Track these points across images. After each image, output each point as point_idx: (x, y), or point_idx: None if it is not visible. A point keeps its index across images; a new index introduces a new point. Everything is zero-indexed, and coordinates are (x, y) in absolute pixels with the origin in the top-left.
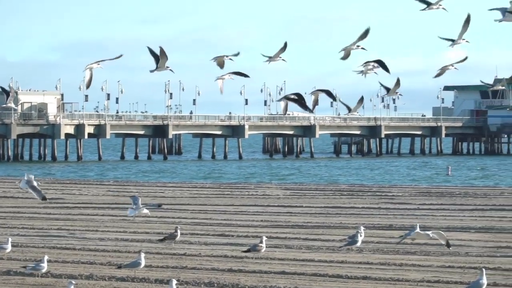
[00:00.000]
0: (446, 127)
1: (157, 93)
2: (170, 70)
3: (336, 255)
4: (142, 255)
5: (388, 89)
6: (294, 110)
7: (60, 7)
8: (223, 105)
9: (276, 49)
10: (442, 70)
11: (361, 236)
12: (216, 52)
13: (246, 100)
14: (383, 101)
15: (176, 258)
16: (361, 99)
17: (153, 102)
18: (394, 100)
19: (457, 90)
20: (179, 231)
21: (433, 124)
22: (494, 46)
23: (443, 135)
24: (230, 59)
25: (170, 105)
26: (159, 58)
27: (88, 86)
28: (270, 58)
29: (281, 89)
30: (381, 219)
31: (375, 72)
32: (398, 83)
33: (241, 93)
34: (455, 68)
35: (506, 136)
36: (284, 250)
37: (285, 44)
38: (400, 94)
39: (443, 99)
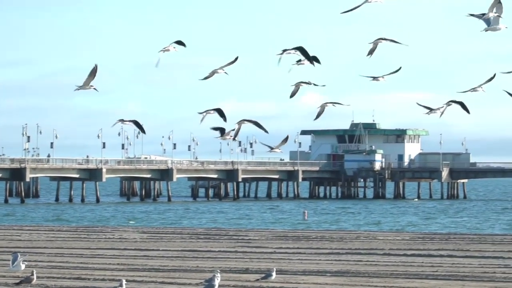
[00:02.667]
0: (303, 171)
1: (14, 136)
2: (95, 89)
3: None
4: None
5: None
6: (152, 153)
7: None
8: (81, 148)
9: (132, 95)
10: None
11: (217, 279)
12: (72, 95)
13: (104, 143)
14: (240, 145)
15: None
16: (286, 139)
17: (10, 145)
18: (251, 144)
19: (314, 134)
20: (35, 275)
21: (290, 168)
22: (351, 91)
23: (300, 179)
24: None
25: (27, 148)
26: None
27: None
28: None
29: (139, 132)
30: (238, 262)
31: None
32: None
33: (98, 136)
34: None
35: (362, 180)
36: None
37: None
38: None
39: (300, 143)
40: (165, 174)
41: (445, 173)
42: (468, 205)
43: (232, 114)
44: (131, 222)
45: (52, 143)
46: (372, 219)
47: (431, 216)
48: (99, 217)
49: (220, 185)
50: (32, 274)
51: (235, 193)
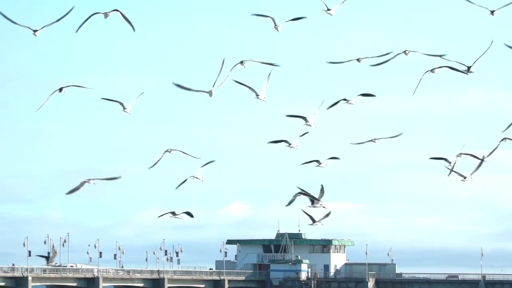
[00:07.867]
0: (229, 281)
1: None
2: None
3: None
4: None
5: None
6: (78, 262)
7: None
8: (5, 256)
9: (56, 203)
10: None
11: None
12: None
13: (29, 251)
14: (166, 254)
15: None
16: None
17: None
18: (177, 253)
19: (240, 243)
20: None
21: (216, 277)
22: (275, 201)
23: None
24: None
25: None
26: None
27: None
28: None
29: (65, 241)
30: None
31: None
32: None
33: (24, 244)
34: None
35: None
36: None
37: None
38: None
39: (226, 252)
40: (91, 282)
41: (371, 283)
42: None
43: (153, 222)
44: None
45: None
46: None
47: None
48: None
49: None
50: None
51: None
